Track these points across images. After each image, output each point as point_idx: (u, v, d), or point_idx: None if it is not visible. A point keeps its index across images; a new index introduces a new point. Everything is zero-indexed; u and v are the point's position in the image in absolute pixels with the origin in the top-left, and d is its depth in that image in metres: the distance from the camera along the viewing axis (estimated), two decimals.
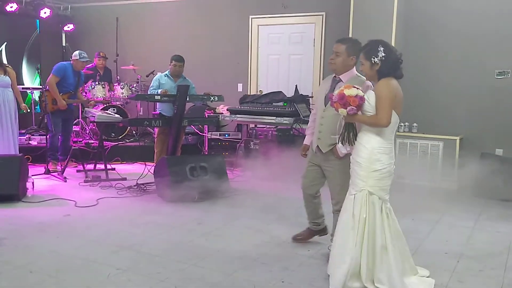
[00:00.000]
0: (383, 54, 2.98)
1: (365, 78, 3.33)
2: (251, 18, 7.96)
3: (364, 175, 3.00)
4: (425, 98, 6.42)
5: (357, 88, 2.98)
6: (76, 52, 6.48)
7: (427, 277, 3.19)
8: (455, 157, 6.10)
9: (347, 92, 2.94)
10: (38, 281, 3.07)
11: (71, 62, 6.50)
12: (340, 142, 3.17)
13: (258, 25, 7.97)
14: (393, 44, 6.01)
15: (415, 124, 6.42)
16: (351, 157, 3.13)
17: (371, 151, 2.99)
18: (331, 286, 3.03)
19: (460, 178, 5.99)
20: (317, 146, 3.55)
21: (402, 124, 6.45)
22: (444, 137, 6.20)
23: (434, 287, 3.15)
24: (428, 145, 6.26)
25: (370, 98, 2.99)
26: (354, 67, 3.51)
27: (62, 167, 6.28)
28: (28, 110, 6.19)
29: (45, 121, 6.59)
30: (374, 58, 3.00)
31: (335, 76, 3.54)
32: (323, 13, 7.44)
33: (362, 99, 2.95)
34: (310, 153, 3.70)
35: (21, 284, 3.02)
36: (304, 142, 3.83)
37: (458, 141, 6.14)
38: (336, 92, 3.04)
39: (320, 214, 3.83)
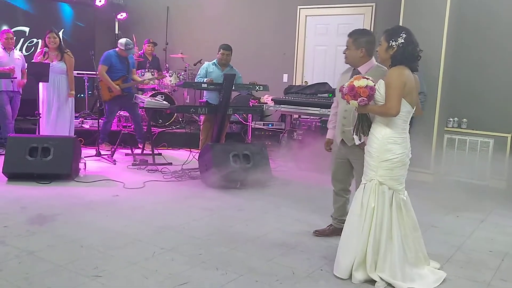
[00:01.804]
0: (402, 41, 2.97)
1: (386, 68, 3.35)
2: (299, 9, 7.93)
3: (375, 165, 3.02)
4: (475, 93, 6.21)
5: (367, 79, 2.97)
6: (123, 41, 6.65)
7: (438, 269, 3.18)
8: (505, 155, 5.88)
9: (357, 83, 2.94)
10: (88, 255, 3.25)
11: (117, 49, 6.71)
12: (354, 133, 3.18)
13: (306, 16, 7.93)
14: (444, 38, 5.86)
15: (464, 119, 6.23)
16: (365, 147, 3.15)
17: (382, 141, 3.00)
18: (335, 273, 3.09)
19: (510, 177, 5.80)
20: (342, 139, 3.56)
21: (451, 119, 6.28)
22: (495, 134, 5.99)
23: (476, 283, 3.11)
24: (477, 141, 6.08)
25: (380, 87, 2.98)
26: (373, 58, 3.49)
27: (144, 149, 6.66)
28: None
29: (102, 107, 6.93)
30: (392, 42, 2.99)
31: (354, 68, 3.53)
32: (373, 4, 7.32)
33: (372, 89, 2.94)
34: (335, 147, 3.70)
35: (73, 257, 3.21)
36: (327, 136, 3.86)
37: (509, 139, 5.92)
38: (346, 84, 3.04)
39: (347, 212, 3.80)
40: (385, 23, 6.96)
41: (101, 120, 6.77)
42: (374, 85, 2.97)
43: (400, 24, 6.11)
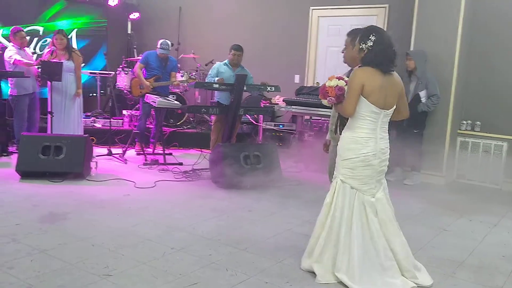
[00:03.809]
0: (371, 44, 2.95)
1: None
2: (312, 9, 7.90)
3: (338, 163, 3.10)
4: (489, 96, 6.13)
5: (340, 79, 3.01)
6: (159, 41, 6.66)
7: (426, 286, 3.04)
8: None
9: (328, 83, 3.04)
10: (99, 254, 3.27)
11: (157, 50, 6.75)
12: (335, 132, 3.34)
13: (318, 16, 7.90)
14: (458, 40, 5.81)
15: (478, 122, 6.16)
16: None
17: (344, 140, 3.07)
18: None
19: None
20: (331, 138, 3.66)
21: (464, 122, 6.22)
22: (509, 137, 5.92)
23: None
24: (491, 145, 6.01)
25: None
26: None
27: (152, 149, 6.74)
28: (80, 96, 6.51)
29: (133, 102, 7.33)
30: (362, 44, 2.99)
31: (351, 69, 3.55)
32: (386, 6, 7.26)
33: (340, 89, 2.99)
34: (330, 148, 3.73)
35: (84, 255, 3.23)
36: (327, 138, 3.88)
37: None
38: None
39: None
40: (398, 25, 6.93)
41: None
42: (345, 85, 3.01)
43: (414, 26, 6.08)
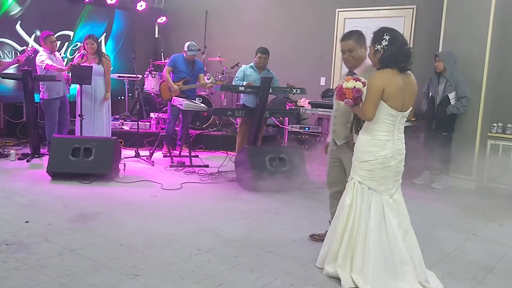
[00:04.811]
0: (386, 43, 2.93)
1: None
2: (338, 11, 7.86)
3: (355, 165, 3.08)
4: None
5: (357, 81, 2.94)
6: (187, 44, 6.76)
7: None
8: None
9: (345, 84, 2.98)
10: (127, 254, 3.33)
11: (184, 53, 6.84)
12: (350, 132, 3.26)
13: (345, 18, 7.85)
14: (488, 41, 5.67)
15: (509, 125, 5.99)
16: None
17: (361, 142, 3.04)
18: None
19: None
20: (333, 139, 3.57)
21: (495, 124, 6.07)
22: None
23: None
24: None
25: (365, 90, 2.97)
26: (367, 58, 3.32)
27: (178, 151, 6.82)
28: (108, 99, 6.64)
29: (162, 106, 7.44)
30: (377, 45, 2.97)
31: (350, 71, 3.47)
32: (414, 6, 7.16)
33: (358, 91, 2.93)
34: (330, 148, 3.66)
35: (112, 255, 3.30)
36: (327, 140, 3.81)
37: None
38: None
39: None
40: (426, 26, 6.83)
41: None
42: (362, 87, 2.96)
43: (442, 27, 5.98)
